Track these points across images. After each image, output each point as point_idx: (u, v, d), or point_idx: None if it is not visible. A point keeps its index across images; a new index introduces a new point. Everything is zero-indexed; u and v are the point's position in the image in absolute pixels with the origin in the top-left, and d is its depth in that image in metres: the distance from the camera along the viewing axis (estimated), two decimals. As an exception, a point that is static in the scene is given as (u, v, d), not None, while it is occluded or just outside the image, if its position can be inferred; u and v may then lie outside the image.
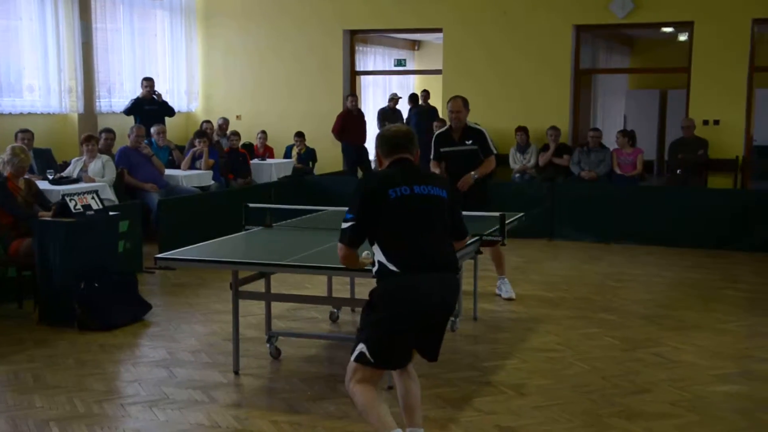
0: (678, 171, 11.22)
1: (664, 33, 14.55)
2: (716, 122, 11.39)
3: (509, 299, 7.02)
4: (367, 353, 3.62)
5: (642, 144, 12.59)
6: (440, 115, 13.49)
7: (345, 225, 3.71)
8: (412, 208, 3.67)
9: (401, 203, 3.66)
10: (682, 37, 13.15)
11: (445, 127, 7.14)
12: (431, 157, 7.09)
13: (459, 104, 6.89)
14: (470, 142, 6.90)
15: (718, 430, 4.23)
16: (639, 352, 5.58)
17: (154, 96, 11.73)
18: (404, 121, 13.86)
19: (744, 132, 11.42)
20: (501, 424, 4.29)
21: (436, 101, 13.83)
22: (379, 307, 3.65)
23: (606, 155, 11.06)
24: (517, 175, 11.37)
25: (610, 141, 12.21)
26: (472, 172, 6.79)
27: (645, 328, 6.16)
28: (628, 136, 11.41)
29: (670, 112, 15.76)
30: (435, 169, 7.02)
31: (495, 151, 7.05)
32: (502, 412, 4.47)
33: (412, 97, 14.64)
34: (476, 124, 7.34)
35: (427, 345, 3.80)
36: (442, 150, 7.00)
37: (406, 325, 3.63)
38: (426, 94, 14.27)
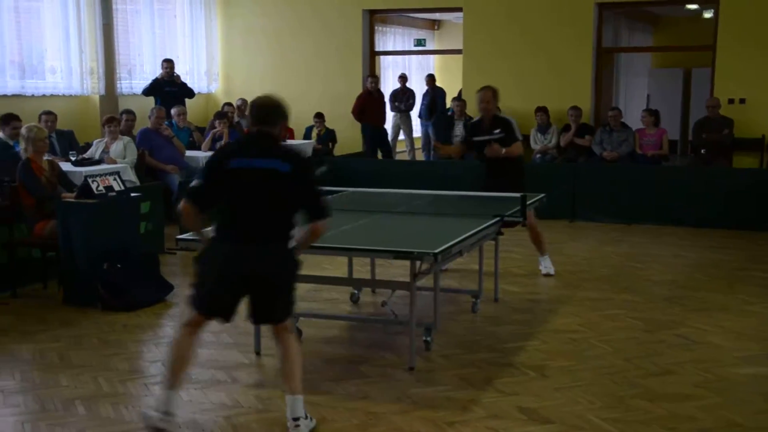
0: (702, 151, 11.07)
1: (689, 10, 14.34)
2: (742, 101, 11.23)
3: (547, 275, 7.18)
4: (191, 297, 4.02)
5: (665, 124, 12.44)
6: (449, 97, 13.47)
7: (193, 183, 4.01)
8: (244, 180, 3.83)
9: (235, 174, 3.83)
10: (707, 15, 12.96)
11: (477, 118, 7.33)
12: (460, 140, 7.48)
13: (488, 95, 7.04)
14: (498, 131, 7.05)
15: (742, 412, 4.19)
16: (662, 333, 5.54)
17: (174, 77, 11.75)
18: (414, 102, 13.74)
19: (770, 111, 11.25)
20: (522, 405, 4.29)
21: (456, 81, 13.75)
22: (198, 263, 4.01)
23: (629, 135, 10.94)
24: (538, 155, 11.29)
25: (632, 121, 12.08)
26: (503, 149, 7.02)
27: (668, 310, 6.11)
28: (654, 115, 11.29)
29: (695, 91, 15.55)
30: (456, 149, 7.61)
31: (520, 139, 7.20)
32: (524, 393, 4.46)
33: (429, 78, 14.49)
34: (503, 113, 7.40)
35: (250, 308, 4.01)
36: (474, 139, 7.20)
37: (208, 285, 3.93)
38: (431, 77, 14.12)
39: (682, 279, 7.12)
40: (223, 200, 3.91)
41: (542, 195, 6.48)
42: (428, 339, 5.19)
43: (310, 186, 3.91)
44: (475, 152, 7.32)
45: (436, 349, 5.18)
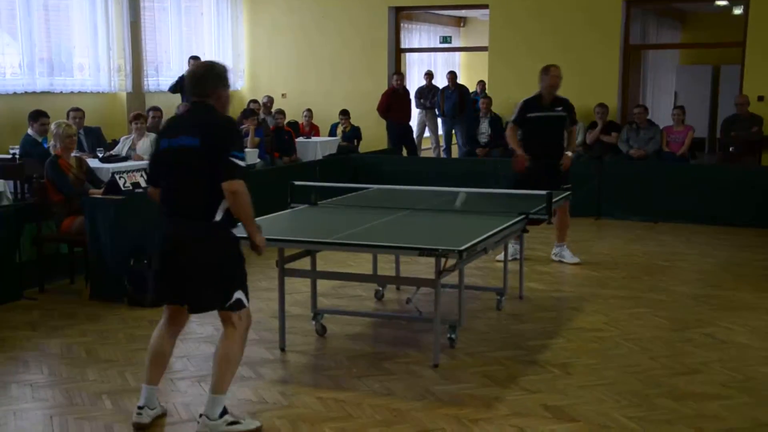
0: (731, 148, 10.96)
1: (718, 7, 14.19)
2: (771, 98, 11.09)
3: (576, 263, 7.34)
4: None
5: (693, 121, 12.32)
6: (470, 95, 13.42)
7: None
8: (167, 159, 3.87)
9: (163, 154, 3.89)
10: (737, 11, 12.81)
11: (533, 95, 7.30)
12: (512, 120, 7.31)
13: (560, 71, 7.17)
14: (560, 108, 7.16)
15: (770, 413, 4.15)
16: (689, 332, 5.49)
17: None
18: (441, 100, 13.69)
19: (800, 108, 11.10)
20: (547, 403, 4.27)
21: (479, 78, 13.72)
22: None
23: (656, 133, 10.85)
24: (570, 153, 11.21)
25: (660, 118, 11.97)
26: (568, 152, 7.16)
27: (695, 309, 6.05)
28: (684, 112, 11.19)
29: (723, 88, 15.39)
30: (512, 133, 7.30)
31: (578, 122, 7.50)
32: (548, 391, 4.44)
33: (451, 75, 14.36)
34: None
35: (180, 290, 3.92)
36: (529, 115, 7.18)
37: (157, 264, 3.92)
38: (453, 75, 14.03)
39: (709, 278, 7.04)
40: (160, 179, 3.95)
41: (568, 192, 6.45)
42: (453, 336, 5.19)
43: (218, 153, 3.72)
44: (520, 131, 7.23)
45: (461, 347, 5.17)
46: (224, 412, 3.89)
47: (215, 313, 4.00)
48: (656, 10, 14.50)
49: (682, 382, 4.56)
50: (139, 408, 4.01)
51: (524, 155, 7.09)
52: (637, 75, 13.36)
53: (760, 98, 11.07)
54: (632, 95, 12.65)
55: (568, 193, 6.68)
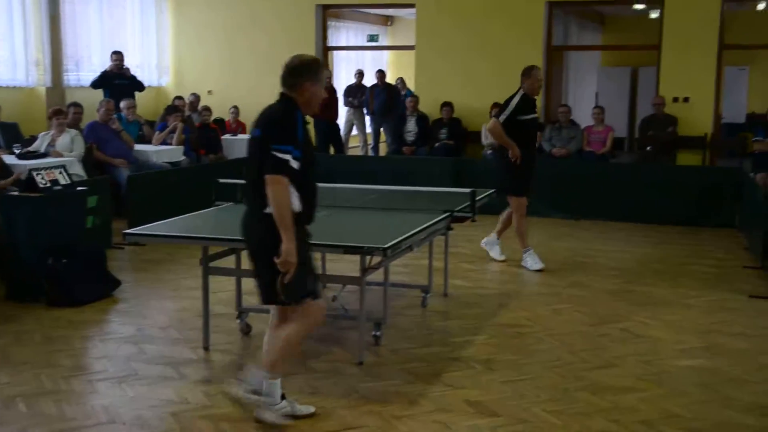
0: (648, 148, 11.31)
1: (636, 10, 14.60)
2: (686, 99, 11.49)
3: (539, 270, 7.24)
4: None
5: (613, 121, 12.66)
6: (402, 93, 13.48)
7: None
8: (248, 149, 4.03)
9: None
10: (654, 15, 13.21)
11: (521, 96, 7.24)
12: (501, 119, 7.19)
13: (541, 73, 7.34)
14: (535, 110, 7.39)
15: (681, 403, 4.30)
16: (607, 327, 5.65)
17: (123, 70, 11.58)
18: (369, 98, 13.74)
19: (712, 109, 11.53)
20: (470, 399, 4.33)
21: (408, 77, 13.79)
22: None
23: (577, 132, 11.11)
24: (489, 151, 11.39)
25: (581, 118, 12.26)
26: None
27: (613, 304, 6.23)
28: (603, 112, 11.48)
29: (641, 89, 15.85)
30: (502, 130, 7.16)
31: None
32: (471, 387, 4.51)
33: (380, 74, 14.36)
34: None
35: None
36: (523, 118, 7.20)
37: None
38: (382, 73, 14.07)
39: (628, 274, 7.26)
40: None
41: (492, 190, 6.55)
42: (378, 334, 5.22)
43: (267, 147, 3.76)
44: (515, 131, 7.13)
45: (386, 344, 5.21)
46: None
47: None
48: (577, 12, 14.83)
49: (600, 376, 4.70)
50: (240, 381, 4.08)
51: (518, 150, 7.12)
52: (560, 76, 13.65)
53: (675, 99, 11.45)
54: (555, 95, 12.92)
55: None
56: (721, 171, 10.37)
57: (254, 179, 3.84)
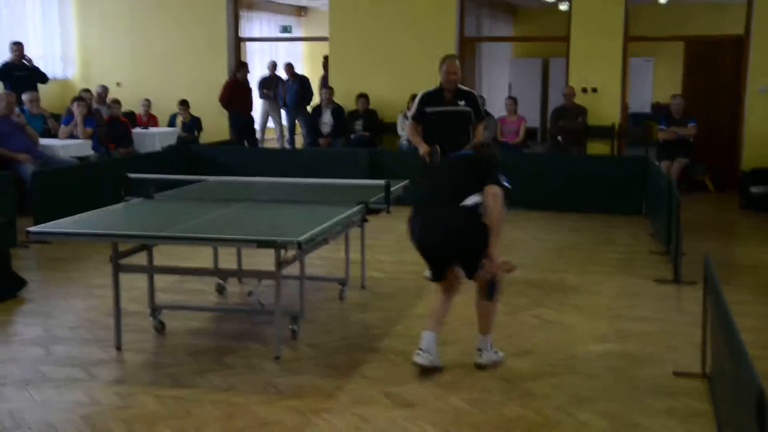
0: (559, 138, 11.57)
1: (546, 2, 14.90)
2: (594, 90, 11.80)
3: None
4: None
5: (526, 112, 12.91)
6: (312, 86, 13.42)
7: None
8: None
9: None
10: (563, 7, 13.50)
11: (434, 87, 6.69)
12: (411, 116, 6.82)
13: (456, 66, 6.55)
14: (463, 102, 6.57)
15: (592, 387, 4.42)
16: (521, 315, 5.76)
17: (25, 61, 11.15)
18: (283, 90, 13.63)
19: (620, 99, 11.88)
20: (388, 390, 4.35)
21: (318, 69, 13.74)
22: None
23: (491, 123, 11.26)
24: (405, 142, 11.46)
25: (495, 109, 12.44)
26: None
27: (527, 291, 6.35)
28: (516, 103, 11.67)
29: (552, 80, 16.21)
30: (413, 130, 6.78)
31: (484, 117, 6.89)
32: (389, 379, 4.52)
33: (288, 67, 14.18)
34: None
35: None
36: (428, 110, 6.60)
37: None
38: (290, 66, 13.89)
39: (541, 262, 7.41)
40: None
41: (406, 181, 6.57)
42: (295, 328, 5.18)
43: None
44: (421, 126, 6.65)
45: (303, 338, 5.18)
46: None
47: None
48: (489, 4, 15.04)
49: (514, 363, 4.78)
50: (420, 350, 4.54)
51: (428, 147, 6.57)
52: (473, 66, 13.82)
53: (584, 90, 11.74)
54: (468, 86, 12.99)
55: None
56: (628, 160, 10.70)
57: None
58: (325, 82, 14.04)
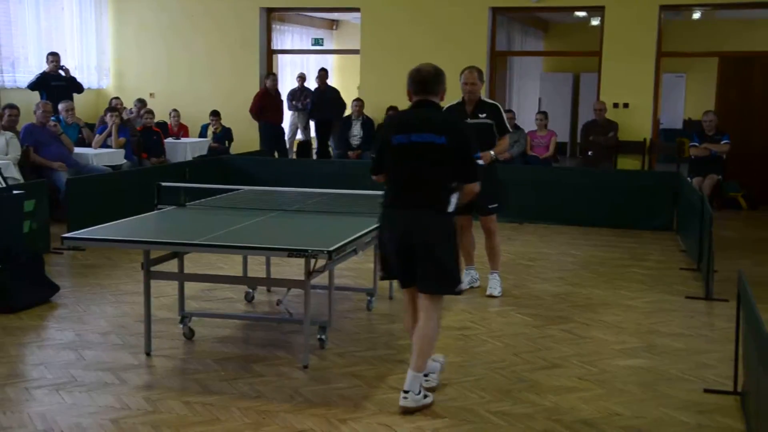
0: (589, 153, 11.52)
1: (578, 17, 14.87)
2: (626, 105, 11.74)
3: (491, 296, 6.54)
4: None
5: (556, 126, 12.88)
6: (343, 96, 13.41)
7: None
8: (406, 153, 4.20)
9: (396, 150, 4.22)
10: (595, 22, 13.47)
11: (456, 101, 6.44)
12: None
13: (474, 76, 6.33)
14: (484, 115, 6.38)
15: (620, 402, 4.38)
16: (550, 329, 5.72)
17: (61, 71, 11.35)
18: (311, 101, 13.60)
19: (651, 115, 11.80)
20: (414, 401, 4.34)
21: (354, 81, 13.79)
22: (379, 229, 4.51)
23: (521, 136, 11.25)
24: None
25: (525, 123, 12.42)
26: (491, 151, 6.28)
27: (555, 306, 6.32)
28: (546, 117, 11.66)
29: (583, 95, 16.16)
30: (488, 155, 6.32)
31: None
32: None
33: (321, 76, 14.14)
34: (492, 100, 6.98)
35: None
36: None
37: (383, 250, 4.46)
38: (324, 73, 13.81)
39: (569, 276, 7.37)
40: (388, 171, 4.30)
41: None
42: (323, 337, 5.20)
43: (465, 156, 4.18)
44: None
45: (331, 347, 5.20)
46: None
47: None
48: (521, 18, 15.03)
49: (543, 377, 4.75)
50: (404, 392, 4.20)
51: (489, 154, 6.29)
52: (504, 81, 13.82)
53: (616, 105, 11.69)
54: (499, 100, 13.02)
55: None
56: (659, 175, 10.60)
57: (438, 180, 4.17)
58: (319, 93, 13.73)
